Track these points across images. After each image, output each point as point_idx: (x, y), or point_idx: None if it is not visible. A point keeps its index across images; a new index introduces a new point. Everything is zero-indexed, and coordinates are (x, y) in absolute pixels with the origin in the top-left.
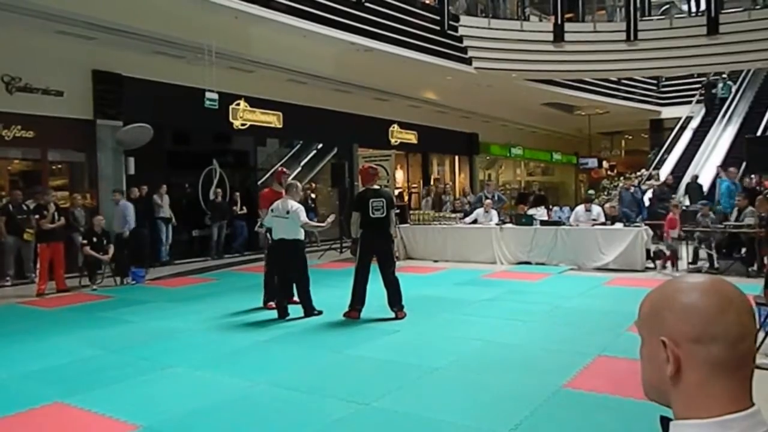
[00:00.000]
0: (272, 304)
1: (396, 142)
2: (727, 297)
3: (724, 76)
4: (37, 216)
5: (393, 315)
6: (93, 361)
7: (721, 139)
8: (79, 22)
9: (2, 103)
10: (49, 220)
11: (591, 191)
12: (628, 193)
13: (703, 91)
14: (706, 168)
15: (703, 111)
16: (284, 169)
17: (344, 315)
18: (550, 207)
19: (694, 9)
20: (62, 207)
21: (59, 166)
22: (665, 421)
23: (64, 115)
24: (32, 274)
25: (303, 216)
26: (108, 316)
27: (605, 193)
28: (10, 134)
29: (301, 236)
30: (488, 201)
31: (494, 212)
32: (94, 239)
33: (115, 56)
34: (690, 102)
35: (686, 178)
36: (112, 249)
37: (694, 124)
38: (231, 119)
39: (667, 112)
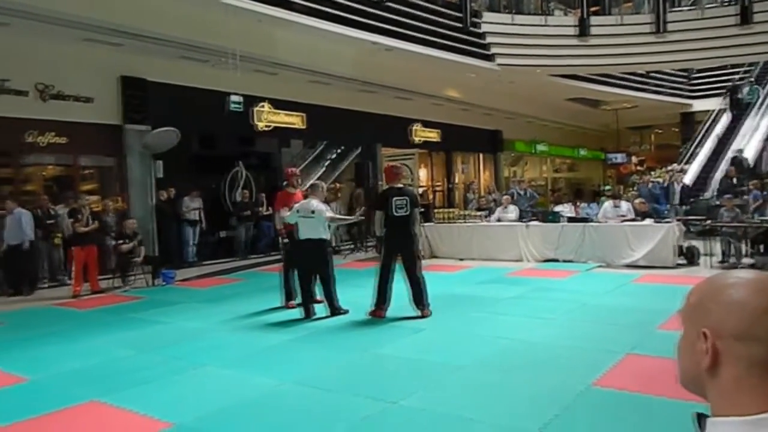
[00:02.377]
0: (293, 303)
1: (419, 140)
2: None
3: (752, 79)
4: (71, 220)
5: (418, 314)
6: (126, 360)
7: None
8: (106, 30)
9: (37, 110)
10: (83, 224)
11: (608, 187)
12: (646, 188)
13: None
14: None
15: (729, 117)
16: (294, 170)
17: (369, 314)
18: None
19: None
20: (94, 211)
21: (90, 170)
22: (701, 418)
23: (93, 121)
24: (64, 277)
25: (328, 212)
26: (140, 316)
27: (634, 188)
28: (44, 141)
29: (327, 236)
30: (506, 197)
31: (512, 207)
32: (126, 240)
33: (141, 62)
34: (722, 95)
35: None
36: (143, 251)
37: (719, 130)
38: (255, 121)
39: (699, 105)
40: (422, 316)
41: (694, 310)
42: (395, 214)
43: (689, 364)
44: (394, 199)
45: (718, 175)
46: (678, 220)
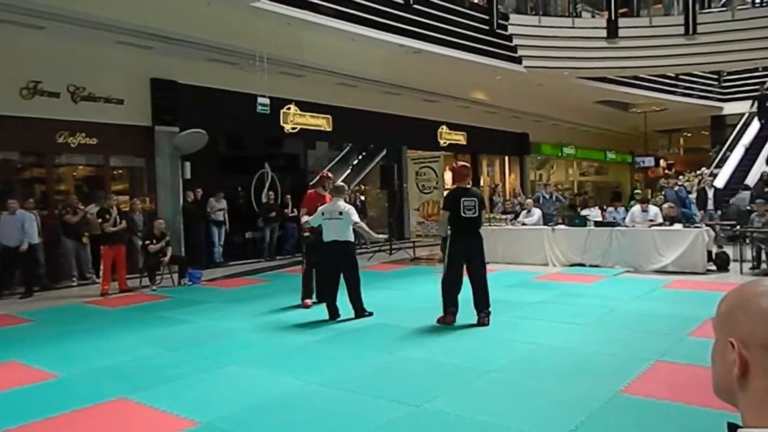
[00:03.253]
0: (308, 302)
1: (445, 143)
2: None
3: None
4: (100, 220)
5: (476, 321)
6: (154, 359)
7: None
8: (137, 33)
9: (68, 112)
10: (111, 224)
11: (637, 191)
12: (673, 192)
13: (757, 105)
14: None
15: (757, 126)
16: (329, 174)
17: (438, 321)
18: (605, 207)
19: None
20: (123, 211)
21: (120, 171)
22: (733, 428)
23: (124, 122)
24: (92, 276)
25: (355, 215)
26: (167, 315)
27: (662, 192)
28: (75, 141)
29: (352, 237)
30: (529, 200)
31: (536, 210)
32: (154, 241)
33: (171, 64)
34: (754, 97)
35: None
36: (170, 251)
37: (747, 140)
38: (282, 123)
39: (730, 108)
40: (481, 324)
41: (724, 319)
42: (464, 215)
43: (720, 373)
44: (463, 199)
45: (752, 179)
46: (707, 225)
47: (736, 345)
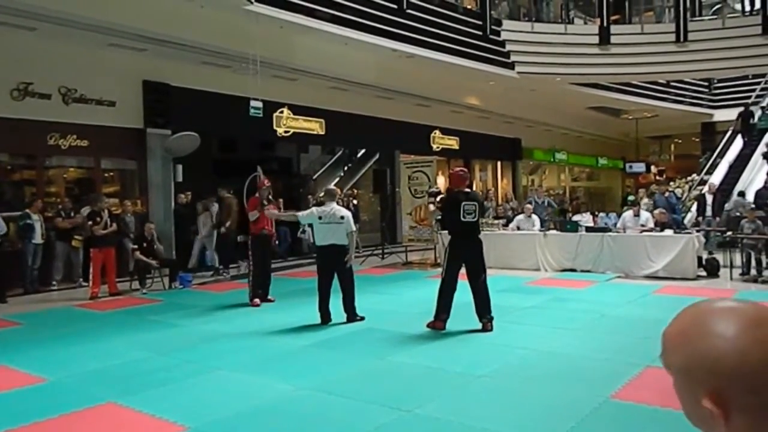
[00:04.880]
0: (257, 301)
1: (438, 148)
2: None
3: (764, 105)
4: (90, 222)
5: (480, 326)
6: (143, 363)
7: None
8: (130, 35)
9: (59, 113)
10: (102, 226)
11: (631, 197)
12: (663, 198)
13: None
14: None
15: (741, 144)
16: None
17: (428, 325)
18: (596, 213)
19: (748, 8)
20: (114, 213)
21: (111, 173)
22: None
23: (116, 125)
24: (80, 279)
25: (353, 224)
26: (157, 319)
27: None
28: (66, 143)
29: (347, 242)
30: (528, 206)
31: (536, 218)
32: (145, 245)
33: (163, 67)
34: (744, 105)
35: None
36: (161, 253)
37: (731, 156)
38: (275, 127)
39: (720, 115)
40: (484, 330)
41: (684, 375)
42: (464, 219)
43: (694, 418)
44: (464, 203)
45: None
46: (698, 231)
47: (711, 407)
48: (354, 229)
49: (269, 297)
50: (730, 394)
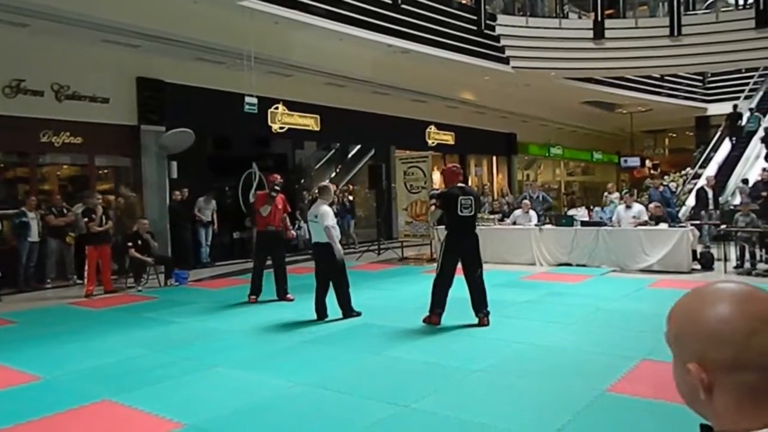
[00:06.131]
0: (254, 298)
1: (433, 143)
2: (760, 316)
3: (752, 107)
4: (85, 219)
5: (476, 321)
6: (139, 360)
7: None
8: (123, 31)
9: (52, 110)
10: (96, 224)
11: (625, 191)
12: (657, 192)
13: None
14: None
15: (729, 145)
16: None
17: (424, 320)
18: (591, 207)
19: (741, 2)
20: (108, 210)
21: (105, 170)
22: (706, 430)
23: (110, 122)
24: (73, 276)
25: (328, 219)
26: (153, 316)
27: (647, 192)
28: (59, 140)
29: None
30: (526, 201)
31: (533, 213)
32: (139, 242)
33: (157, 63)
34: (737, 98)
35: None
36: (155, 248)
37: (720, 157)
38: (270, 123)
39: (714, 109)
40: (481, 324)
41: (676, 342)
42: (461, 214)
43: (684, 391)
44: (461, 198)
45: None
46: (692, 224)
47: (695, 370)
48: (329, 224)
49: (288, 296)
50: (714, 367)
